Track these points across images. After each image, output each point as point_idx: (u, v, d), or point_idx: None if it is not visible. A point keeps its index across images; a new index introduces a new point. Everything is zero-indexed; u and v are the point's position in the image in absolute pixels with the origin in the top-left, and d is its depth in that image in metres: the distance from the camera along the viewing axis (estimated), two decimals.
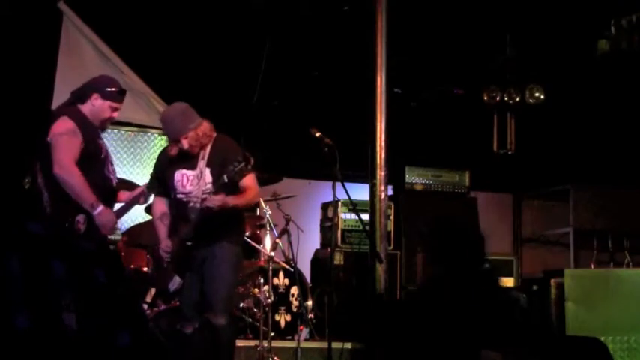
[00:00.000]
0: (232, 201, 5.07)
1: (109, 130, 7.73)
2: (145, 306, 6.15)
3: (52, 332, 4.63)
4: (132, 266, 6.39)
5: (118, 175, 5.41)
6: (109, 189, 5.00)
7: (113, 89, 5.04)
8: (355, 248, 7.86)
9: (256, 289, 6.56)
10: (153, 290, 6.20)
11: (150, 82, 7.66)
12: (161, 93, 7.65)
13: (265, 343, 6.31)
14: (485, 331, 3.62)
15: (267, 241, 7.03)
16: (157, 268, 5.33)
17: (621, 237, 8.96)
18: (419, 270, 7.73)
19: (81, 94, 5.02)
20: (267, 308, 6.47)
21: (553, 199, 9.64)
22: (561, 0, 7.92)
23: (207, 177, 5.13)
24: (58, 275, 4.71)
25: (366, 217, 6.72)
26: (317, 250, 8.14)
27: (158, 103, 7.61)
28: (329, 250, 7.53)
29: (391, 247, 7.76)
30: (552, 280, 7.02)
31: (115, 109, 5.05)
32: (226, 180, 4.94)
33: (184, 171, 5.19)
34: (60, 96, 5.46)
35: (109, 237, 5.10)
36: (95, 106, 4.99)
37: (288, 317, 7.16)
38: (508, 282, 8.17)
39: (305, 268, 7.70)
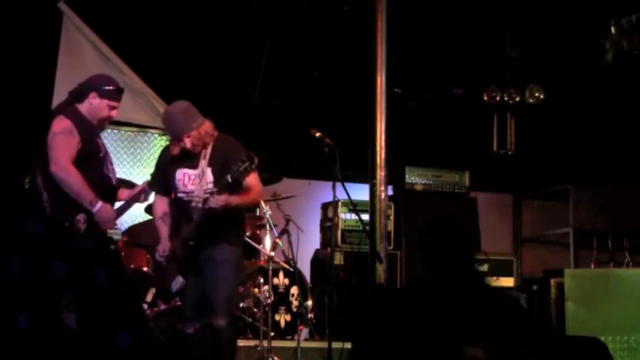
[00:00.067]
0: (236, 200, 5.07)
1: (109, 130, 7.75)
2: (145, 306, 6.15)
3: (52, 332, 4.63)
4: (132, 266, 6.39)
5: (118, 175, 5.41)
6: (108, 187, 5.00)
7: (110, 88, 5.04)
8: (355, 248, 7.86)
9: (256, 289, 6.56)
10: (153, 290, 6.20)
11: (150, 82, 7.66)
12: (161, 93, 7.65)
13: (265, 343, 6.31)
14: (470, 328, 3.62)
15: (267, 241, 7.03)
16: (158, 267, 5.33)
17: (621, 237, 8.97)
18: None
19: (78, 94, 5.02)
20: (267, 308, 6.47)
21: (553, 199, 9.65)
22: (561, 0, 7.92)
23: (209, 176, 5.12)
24: (58, 275, 4.71)
25: (366, 217, 6.72)
26: (317, 250, 8.14)
27: (158, 103, 7.61)
28: (329, 250, 7.53)
29: (391, 247, 7.76)
30: (552, 280, 7.02)
31: (113, 108, 5.05)
32: (230, 180, 4.93)
33: (186, 170, 5.19)
34: (60, 96, 5.46)
35: (110, 237, 5.10)
36: (93, 105, 4.99)
37: (288, 317, 7.17)
38: (508, 282, 8.16)
39: (305, 268, 7.70)
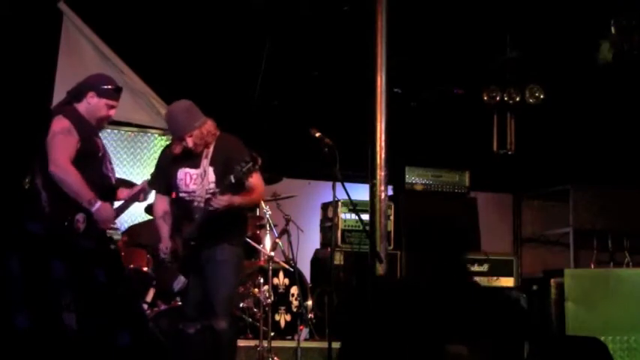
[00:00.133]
0: (238, 200, 5.07)
1: (109, 130, 7.75)
2: (145, 306, 6.15)
3: (52, 332, 4.63)
4: (132, 266, 6.39)
5: (118, 175, 5.41)
6: (107, 187, 5.00)
7: (109, 87, 5.04)
8: (355, 248, 7.86)
9: (256, 289, 6.56)
10: (153, 290, 6.20)
11: (150, 82, 7.66)
12: (161, 93, 7.65)
13: (265, 343, 6.31)
14: (456, 326, 3.63)
15: (267, 241, 7.04)
16: (159, 267, 5.33)
17: (621, 237, 8.96)
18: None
19: (77, 93, 5.02)
20: (267, 308, 6.47)
21: (553, 199, 9.65)
22: (561, 0, 7.92)
23: (211, 176, 5.12)
24: (57, 275, 4.71)
25: (366, 217, 6.72)
26: (317, 250, 8.14)
27: (158, 103, 7.61)
28: (329, 250, 7.53)
29: (391, 247, 7.76)
30: (552, 280, 7.02)
31: (112, 107, 5.05)
32: (233, 180, 4.92)
33: (187, 169, 5.18)
34: (60, 96, 5.45)
35: (110, 236, 5.10)
36: (91, 104, 4.99)
37: (288, 317, 7.17)
38: (508, 282, 8.16)
39: (305, 268, 7.70)
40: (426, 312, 3.67)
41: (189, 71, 7.76)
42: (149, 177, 5.43)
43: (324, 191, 7.75)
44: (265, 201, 6.85)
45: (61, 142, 4.80)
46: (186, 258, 5.14)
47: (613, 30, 6.90)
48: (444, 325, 3.63)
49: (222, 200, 4.96)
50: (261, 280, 6.52)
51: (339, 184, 5.53)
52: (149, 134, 8.01)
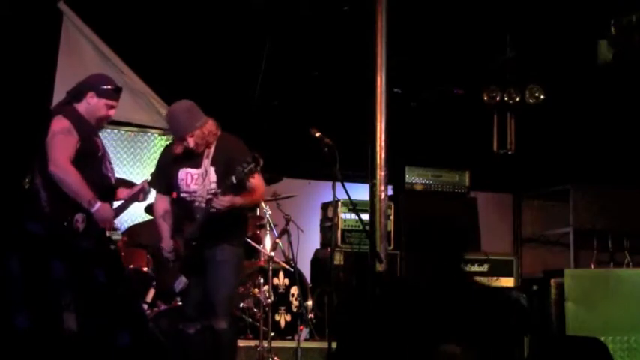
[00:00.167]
0: (240, 201, 5.07)
1: (109, 130, 7.75)
2: (145, 306, 6.15)
3: (52, 332, 4.63)
4: (132, 266, 6.39)
5: (118, 175, 5.40)
6: (107, 187, 5.00)
7: (108, 87, 5.04)
8: (355, 248, 7.85)
9: (256, 289, 6.56)
10: (153, 290, 6.20)
11: (150, 82, 7.66)
12: (161, 93, 7.65)
13: (265, 343, 6.31)
14: (450, 326, 3.63)
15: (267, 241, 7.04)
16: (160, 268, 5.33)
17: (621, 237, 8.96)
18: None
19: (76, 93, 5.02)
20: (267, 308, 6.47)
21: (553, 199, 9.64)
22: (561, 0, 7.92)
23: (212, 176, 5.11)
24: (57, 275, 4.71)
25: (366, 217, 6.72)
26: (317, 250, 8.14)
27: (158, 103, 7.61)
28: (329, 250, 7.53)
29: (391, 247, 7.76)
30: (552, 280, 7.02)
31: (111, 107, 5.05)
32: (235, 181, 4.92)
33: (188, 169, 5.17)
34: (60, 96, 5.45)
35: (109, 237, 5.10)
36: (91, 104, 4.99)
37: (288, 317, 7.17)
38: (508, 282, 8.16)
39: (305, 268, 7.70)
40: (422, 312, 3.68)
41: (189, 71, 7.76)
42: (149, 177, 5.43)
43: (324, 191, 7.75)
44: (265, 201, 6.85)
45: (61, 142, 4.80)
46: (187, 258, 5.14)
47: (613, 30, 6.89)
48: (438, 324, 3.63)
49: (223, 201, 4.96)
50: (261, 280, 6.52)
51: (339, 184, 5.53)
52: (149, 134, 8.01)
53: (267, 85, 8.04)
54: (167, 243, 5.19)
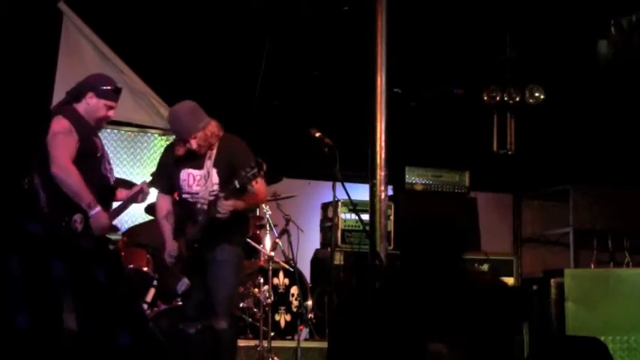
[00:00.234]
0: (242, 205, 5.08)
1: (109, 130, 7.75)
2: (145, 306, 6.15)
3: (52, 332, 4.63)
4: (132, 266, 6.39)
5: (118, 175, 5.40)
6: (106, 187, 5.00)
7: (108, 88, 5.03)
8: (355, 248, 7.85)
9: (256, 289, 6.56)
10: (153, 290, 6.20)
11: (150, 82, 7.66)
12: (161, 93, 7.65)
13: (265, 343, 6.32)
14: (437, 325, 3.63)
15: (267, 241, 7.04)
16: (161, 268, 5.33)
17: (621, 237, 8.96)
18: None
19: (76, 93, 5.02)
20: (267, 308, 6.47)
21: (553, 199, 9.64)
22: (561, 0, 7.92)
23: (215, 177, 5.11)
24: (57, 275, 4.71)
25: (366, 217, 6.72)
26: (317, 250, 8.14)
27: (158, 103, 7.61)
28: (329, 250, 7.53)
29: (391, 247, 7.76)
30: (552, 280, 7.02)
31: (110, 108, 5.05)
32: (238, 185, 4.92)
33: (191, 170, 5.17)
34: (60, 96, 5.45)
35: (109, 237, 5.09)
36: (90, 104, 4.99)
37: (288, 317, 7.17)
38: (508, 282, 8.16)
39: (305, 268, 7.70)
40: (414, 311, 3.68)
41: (189, 71, 7.76)
42: (149, 177, 5.43)
43: (324, 191, 7.75)
44: (265, 201, 6.84)
45: (62, 142, 4.80)
46: (189, 259, 5.14)
47: (613, 30, 6.89)
48: (428, 324, 3.64)
49: (227, 205, 4.96)
50: (261, 280, 6.52)
51: (339, 184, 5.54)
52: (149, 134, 8.01)
53: (267, 85, 8.04)
54: (171, 246, 5.18)
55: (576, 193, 9.12)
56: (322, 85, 8.35)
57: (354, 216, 7.80)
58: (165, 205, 5.30)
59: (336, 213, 7.27)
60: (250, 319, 6.71)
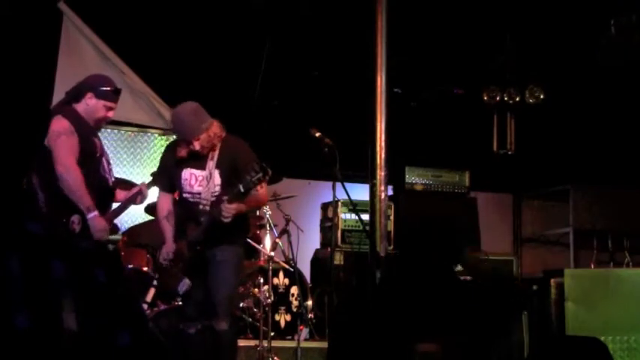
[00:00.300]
0: (245, 208, 5.09)
1: (109, 130, 7.76)
2: (145, 306, 6.15)
3: (52, 332, 4.63)
4: (132, 266, 6.39)
5: (118, 175, 5.40)
6: (105, 188, 4.99)
7: (107, 88, 5.03)
8: (355, 248, 7.85)
9: (256, 289, 6.56)
10: (153, 290, 6.20)
11: (150, 82, 7.65)
12: (161, 93, 7.65)
13: (265, 343, 6.32)
14: (430, 325, 3.64)
15: (267, 241, 7.04)
16: (162, 269, 5.32)
17: (621, 237, 8.96)
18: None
19: (75, 94, 5.02)
20: (267, 308, 6.47)
21: (553, 199, 9.64)
22: (561, 0, 7.92)
23: (217, 178, 5.10)
24: (57, 275, 4.71)
25: (366, 217, 6.72)
26: (317, 250, 8.13)
27: (158, 103, 7.60)
28: (329, 250, 7.53)
29: (391, 247, 7.76)
30: (552, 280, 7.02)
31: (110, 109, 5.04)
32: (242, 189, 4.92)
33: (193, 170, 5.16)
34: (60, 96, 5.45)
35: (109, 237, 5.09)
36: (89, 105, 4.98)
37: (288, 317, 7.17)
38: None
39: (305, 268, 7.70)
40: (409, 310, 3.68)
41: (189, 71, 7.76)
42: (149, 178, 5.42)
43: (324, 191, 7.75)
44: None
45: (65, 142, 4.80)
46: (190, 260, 5.14)
47: (613, 30, 6.89)
48: (418, 325, 3.64)
49: (230, 209, 4.96)
50: (261, 280, 6.52)
51: (339, 184, 5.54)
52: (149, 134, 8.01)
53: (267, 85, 8.04)
54: (167, 248, 5.18)
55: (576, 193, 9.12)
56: (322, 85, 8.35)
57: (354, 216, 7.80)
58: (166, 204, 5.30)
59: (336, 213, 7.27)
60: (250, 319, 6.70)
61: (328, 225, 7.91)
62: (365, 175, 6.69)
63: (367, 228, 6.57)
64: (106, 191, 5.02)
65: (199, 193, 5.12)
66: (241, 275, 5.91)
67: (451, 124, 9.04)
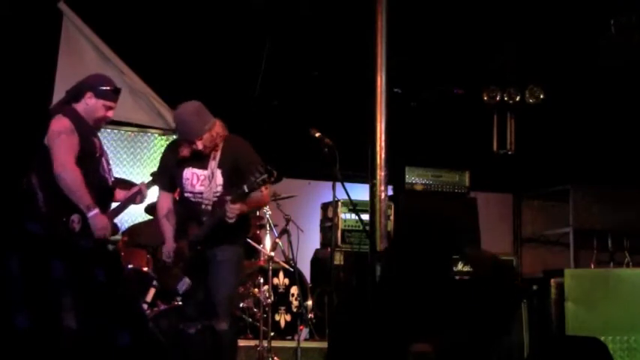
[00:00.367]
0: (247, 209, 5.09)
1: (109, 130, 7.76)
2: (145, 306, 6.15)
3: (52, 332, 4.63)
4: (132, 266, 6.39)
5: (118, 175, 5.39)
6: (104, 188, 4.98)
7: (107, 88, 5.02)
8: (355, 248, 7.85)
9: (256, 289, 6.56)
10: (153, 290, 6.20)
11: (150, 82, 7.66)
12: (161, 93, 7.65)
13: (265, 343, 6.32)
14: (424, 325, 3.64)
15: (267, 241, 7.04)
16: (162, 268, 5.32)
17: (621, 237, 8.96)
18: None
19: (75, 93, 5.02)
20: (267, 308, 6.47)
21: (553, 199, 9.64)
22: (561, 0, 7.92)
23: (219, 178, 5.10)
24: (57, 275, 4.71)
25: (366, 217, 6.72)
26: (317, 250, 8.14)
27: (158, 103, 7.61)
28: (329, 250, 7.53)
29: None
30: (552, 280, 7.02)
31: (110, 109, 5.04)
32: (247, 190, 4.92)
33: (195, 170, 5.15)
34: (60, 96, 5.45)
35: (109, 237, 5.09)
36: (89, 105, 4.98)
37: (288, 317, 7.17)
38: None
39: (305, 268, 7.70)
40: (397, 313, 3.69)
41: (189, 71, 7.76)
42: (149, 177, 5.42)
43: (324, 191, 7.75)
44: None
45: (65, 142, 4.80)
46: (191, 260, 5.13)
47: (613, 30, 6.89)
48: (412, 325, 3.64)
49: (234, 209, 4.95)
50: (261, 280, 6.52)
51: (339, 184, 5.54)
52: (149, 134, 8.01)
53: (267, 85, 8.04)
54: (169, 246, 5.18)
55: (576, 193, 9.12)
56: (322, 85, 8.35)
57: (354, 216, 7.80)
58: (167, 203, 5.29)
59: (336, 213, 7.26)
60: (250, 319, 6.70)
61: (328, 225, 7.91)
62: (365, 175, 6.69)
63: (367, 228, 6.57)
64: (106, 191, 5.01)
65: (201, 193, 5.11)
66: (241, 275, 5.90)
67: (451, 124, 9.04)
